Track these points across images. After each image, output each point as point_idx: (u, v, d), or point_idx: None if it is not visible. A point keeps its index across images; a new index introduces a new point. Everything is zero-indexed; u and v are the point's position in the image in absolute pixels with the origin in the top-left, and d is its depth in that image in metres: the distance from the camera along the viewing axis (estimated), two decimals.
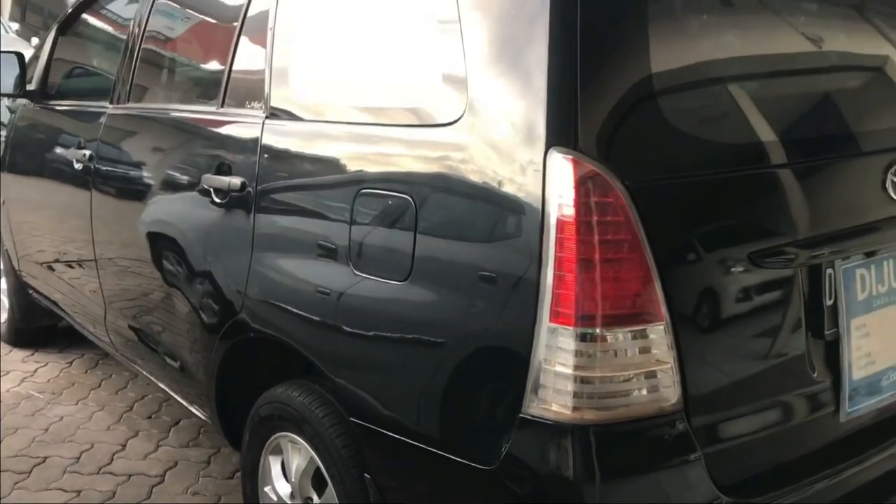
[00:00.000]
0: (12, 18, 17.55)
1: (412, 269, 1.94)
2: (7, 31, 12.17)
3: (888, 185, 2.05)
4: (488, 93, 1.86)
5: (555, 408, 1.73)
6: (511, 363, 1.77)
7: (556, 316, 1.71)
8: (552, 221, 1.71)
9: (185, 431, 3.69)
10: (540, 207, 1.73)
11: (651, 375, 1.75)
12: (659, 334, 1.74)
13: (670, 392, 1.76)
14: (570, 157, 1.70)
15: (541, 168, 1.73)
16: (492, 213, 1.82)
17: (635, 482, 1.77)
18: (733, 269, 1.85)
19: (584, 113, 1.72)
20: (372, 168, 2.11)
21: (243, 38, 2.69)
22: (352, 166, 2.18)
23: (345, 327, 2.11)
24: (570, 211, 1.69)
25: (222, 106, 2.70)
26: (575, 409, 1.72)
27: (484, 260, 1.83)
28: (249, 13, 2.66)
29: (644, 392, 1.75)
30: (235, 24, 2.70)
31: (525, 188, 1.76)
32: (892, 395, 2.15)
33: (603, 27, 1.77)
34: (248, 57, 2.66)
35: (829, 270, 2.00)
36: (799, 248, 1.93)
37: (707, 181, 1.82)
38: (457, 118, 1.90)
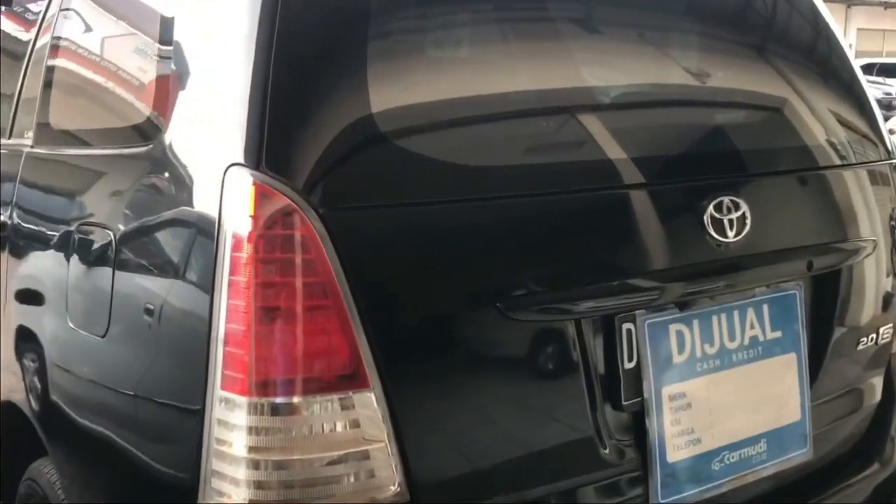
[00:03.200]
0: None
1: (110, 320, 1.58)
2: None
3: (707, 221, 1.66)
4: (184, 111, 1.52)
5: (234, 500, 1.33)
6: (185, 442, 1.39)
7: (227, 382, 1.33)
8: (226, 260, 1.34)
9: None
10: (214, 242, 1.36)
11: (358, 458, 1.36)
12: (366, 405, 1.36)
13: (387, 478, 1.37)
14: (250, 177, 1.33)
15: (219, 192, 1.37)
16: (175, 248, 1.46)
17: None
18: (477, 323, 1.47)
19: (276, 129, 1.36)
20: (87, 199, 1.78)
21: (30, 68, 2.40)
22: (71, 198, 1.85)
23: (52, 393, 1.74)
24: (245, 246, 1.32)
25: (9, 137, 2.39)
26: (253, 503, 1.33)
27: (167, 309, 1.46)
28: (37, 43, 2.37)
29: (350, 479, 1.36)
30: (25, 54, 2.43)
31: (204, 217, 1.40)
32: (727, 481, 1.73)
33: (301, 44, 1.42)
34: (28, 85, 2.37)
35: (627, 326, 1.61)
36: (572, 298, 1.54)
37: (438, 211, 1.45)
38: (153, 139, 1.55)
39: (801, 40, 2.11)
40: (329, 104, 1.41)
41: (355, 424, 1.36)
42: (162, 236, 1.51)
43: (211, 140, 1.44)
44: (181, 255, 1.44)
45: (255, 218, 1.32)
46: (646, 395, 1.63)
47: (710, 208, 1.66)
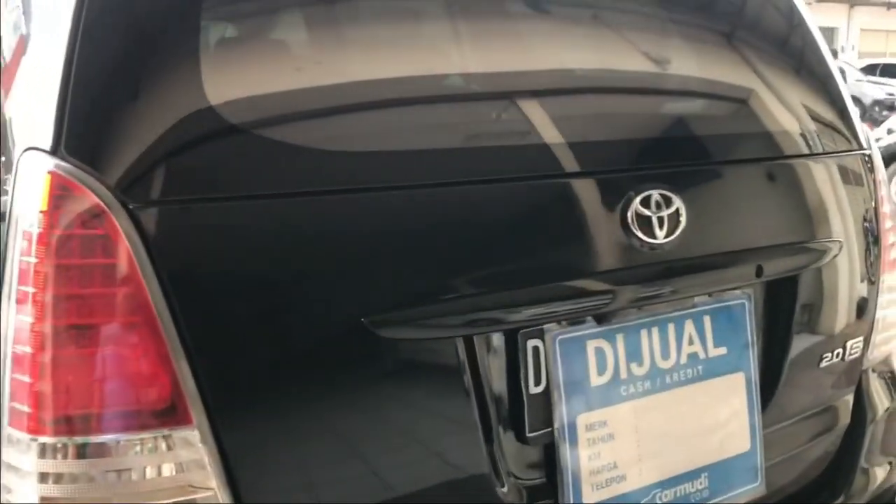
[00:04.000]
0: None
1: None
2: None
3: (631, 219, 1.41)
4: (18, 86, 1.27)
5: None
6: None
7: (13, 417, 1.08)
8: (14, 265, 1.09)
9: None
10: (4, 242, 1.11)
11: None
12: (189, 444, 1.10)
13: None
14: (46, 164, 1.08)
15: (13, 181, 1.11)
16: None
17: None
18: (337, 343, 1.21)
19: (80, 109, 1.11)
20: None
21: None
22: None
23: None
24: (34, 248, 1.07)
25: None
26: None
27: None
28: None
29: None
30: None
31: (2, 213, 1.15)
32: None
33: (116, 20, 1.16)
34: None
35: (534, 343, 1.36)
36: (459, 311, 1.28)
37: (283, 206, 1.19)
38: None
39: (761, 22, 1.84)
40: (151, 83, 1.15)
41: (175, 469, 1.10)
42: None
43: (21, 120, 1.19)
44: None
45: (47, 213, 1.07)
46: (556, 425, 1.37)
47: (636, 203, 1.41)
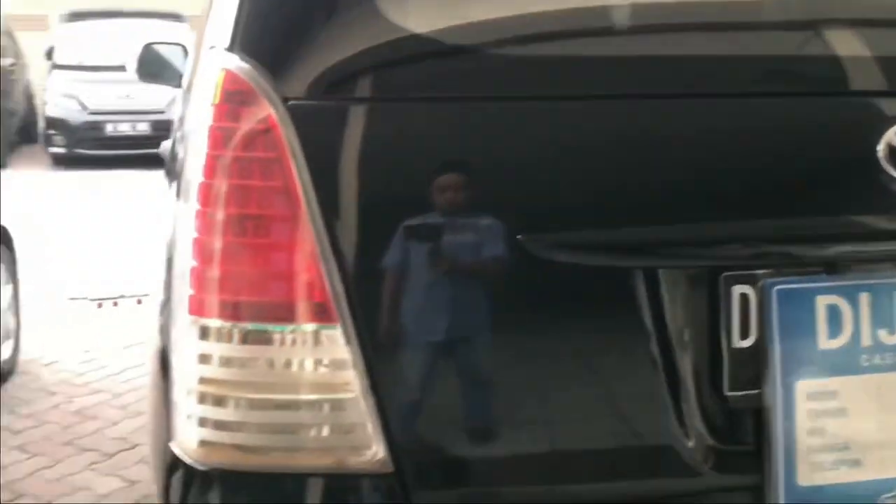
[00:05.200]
0: None
1: None
2: None
3: (883, 152, 1.18)
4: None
5: (182, 437, 1.15)
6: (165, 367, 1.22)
7: (180, 299, 1.15)
8: (188, 154, 1.17)
9: None
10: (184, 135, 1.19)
11: (326, 407, 1.11)
12: (334, 342, 1.10)
13: (363, 440, 1.11)
14: (222, 59, 1.14)
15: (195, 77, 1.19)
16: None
17: None
18: (492, 259, 1.14)
19: (255, 8, 1.16)
20: None
21: None
22: None
23: None
24: (207, 140, 1.13)
25: None
26: (203, 443, 1.13)
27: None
28: None
29: (317, 433, 1.11)
30: None
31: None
32: None
33: None
34: None
35: (742, 289, 1.18)
36: (647, 240, 1.15)
37: (451, 110, 1.14)
38: None
39: None
40: None
41: (320, 365, 1.10)
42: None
43: (209, 23, 1.26)
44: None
45: (217, 107, 1.12)
46: (767, 388, 1.18)
47: (890, 134, 1.17)
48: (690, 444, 1.18)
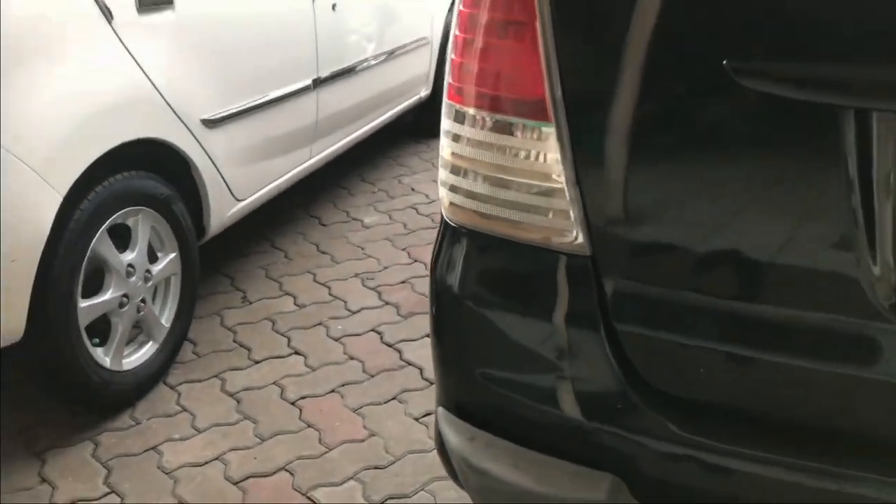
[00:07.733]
0: None
1: None
2: None
3: None
4: None
5: (443, 202, 1.45)
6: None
7: (447, 87, 1.40)
8: None
9: None
10: None
11: (541, 192, 1.32)
12: (548, 139, 1.29)
13: (566, 224, 1.31)
14: None
15: None
16: None
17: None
18: (694, 84, 1.19)
19: None
20: None
21: None
22: None
23: None
24: None
25: None
26: (452, 204, 1.42)
27: None
28: None
29: (534, 212, 1.33)
30: None
31: None
32: None
33: None
34: None
35: None
36: (861, 75, 1.10)
37: None
38: None
39: None
40: None
41: (537, 157, 1.30)
42: None
43: None
44: None
45: None
46: None
47: None
48: (883, 292, 1.16)
